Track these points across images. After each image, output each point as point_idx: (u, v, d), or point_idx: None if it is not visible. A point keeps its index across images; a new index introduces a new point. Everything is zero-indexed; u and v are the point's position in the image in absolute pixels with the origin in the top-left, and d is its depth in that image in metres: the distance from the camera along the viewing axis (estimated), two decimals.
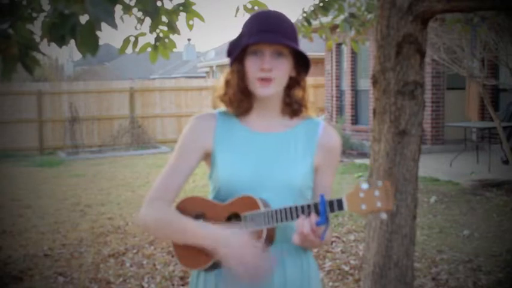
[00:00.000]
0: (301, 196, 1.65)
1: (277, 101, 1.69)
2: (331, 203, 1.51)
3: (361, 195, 1.49)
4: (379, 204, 1.48)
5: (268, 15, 1.64)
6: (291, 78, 1.68)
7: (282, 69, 1.62)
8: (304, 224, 1.51)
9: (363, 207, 1.49)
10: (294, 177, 1.65)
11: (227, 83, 1.69)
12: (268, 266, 1.54)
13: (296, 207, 1.54)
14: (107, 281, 4.80)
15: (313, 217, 1.51)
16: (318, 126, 1.73)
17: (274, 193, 1.62)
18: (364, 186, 1.50)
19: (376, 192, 1.48)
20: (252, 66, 1.62)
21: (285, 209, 1.55)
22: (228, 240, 1.53)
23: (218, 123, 1.71)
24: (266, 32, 1.59)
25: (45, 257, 5.50)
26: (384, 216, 1.50)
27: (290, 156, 1.68)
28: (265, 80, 1.61)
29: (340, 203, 1.51)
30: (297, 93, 1.71)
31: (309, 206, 1.54)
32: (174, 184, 1.69)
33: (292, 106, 1.71)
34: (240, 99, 1.67)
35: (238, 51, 1.62)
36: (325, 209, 1.51)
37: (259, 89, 1.63)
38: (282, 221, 1.56)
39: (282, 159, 1.67)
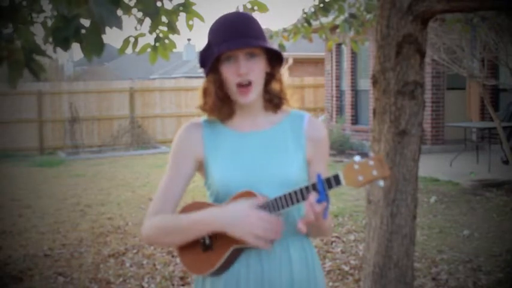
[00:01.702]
0: None
1: (258, 99, 1.71)
2: (328, 180, 1.54)
3: (356, 167, 1.52)
4: (375, 172, 1.50)
5: (232, 19, 1.65)
6: (266, 74, 1.70)
7: (257, 70, 1.65)
8: (313, 204, 1.53)
9: (360, 178, 1.51)
10: (289, 172, 1.67)
11: (205, 92, 1.70)
12: (277, 225, 1.57)
13: (295, 191, 1.57)
14: (107, 281, 4.80)
15: (313, 195, 1.53)
16: (303, 119, 1.75)
17: (271, 190, 1.63)
18: (357, 158, 1.52)
19: (371, 162, 1.51)
20: (229, 73, 1.64)
21: (285, 195, 1.58)
22: (227, 212, 1.58)
23: (205, 131, 1.73)
24: (236, 37, 1.61)
25: (45, 257, 5.50)
26: (381, 184, 1.52)
27: (281, 152, 1.70)
28: (245, 86, 1.63)
29: (337, 178, 1.53)
30: (275, 86, 1.73)
31: (307, 187, 1.56)
32: (173, 195, 1.71)
33: (273, 101, 1.73)
34: (220, 107, 1.69)
35: (211, 61, 1.63)
36: (324, 186, 1.53)
37: (240, 98, 1.65)
38: (283, 207, 1.58)
39: (274, 156, 1.69)
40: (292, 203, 1.58)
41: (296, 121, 1.75)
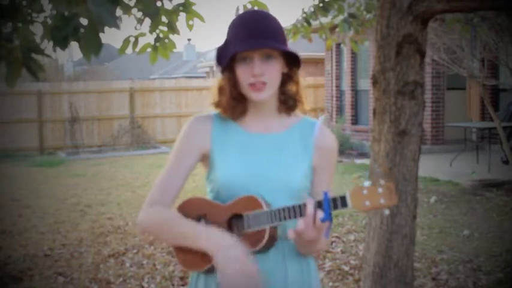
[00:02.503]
0: (298, 197, 1.65)
1: (273, 100, 1.69)
2: (334, 200, 1.52)
3: (365, 192, 1.50)
4: (382, 201, 1.49)
5: (252, 18, 1.63)
6: (283, 74, 1.67)
7: (272, 72, 1.62)
8: (299, 222, 1.51)
9: (367, 203, 1.50)
10: (293, 178, 1.66)
11: (220, 90, 1.69)
12: (256, 285, 1.53)
13: (300, 206, 1.54)
14: (107, 281, 4.80)
15: (319, 213, 1.51)
16: (314, 127, 1.73)
17: (272, 194, 1.61)
18: (367, 183, 1.51)
19: (380, 189, 1.49)
20: (243, 73, 1.62)
21: (288, 208, 1.55)
22: (227, 251, 1.52)
23: (215, 125, 1.72)
24: (253, 37, 1.58)
25: (45, 257, 5.50)
26: (387, 212, 1.51)
27: (288, 157, 1.68)
28: (258, 86, 1.61)
29: (343, 200, 1.51)
30: (291, 88, 1.71)
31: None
32: (172, 187, 1.69)
33: (288, 103, 1.71)
34: (234, 106, 1.67)
35: (227, 60, 1.61)
36: (329, 205, 1.51)
37: (253, 95, 1.63)
38: (285, 219, 1.56)
39: (280, 160, 1.67)
40: (295, 217, 1.54)
41: (307, 128, 1.72)
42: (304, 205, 1.53)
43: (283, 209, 1.55)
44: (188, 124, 1.73)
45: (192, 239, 1.58)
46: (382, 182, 1.50)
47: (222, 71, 1.66)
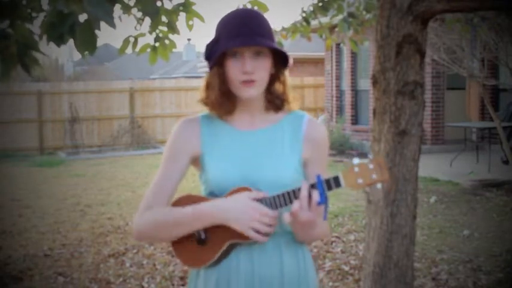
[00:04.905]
0: None
1: (260, 98, 1.70)
2: (328, 181, 1.54)
3: (356, 169, 1.53)
4: (374, 176, 1.51)
5: (242, 15, 1.64)
6: (270, 75, 1.69)
7: (263, 69, 1.64)
8: (295, 204, 1.54)
9: (360, 181, 1.52)
10: (284, 173, 1.66)
11: (208, 86, 1.68)
12: (273, 218, 1.56)
13: (294, 191, 1.55)
14: (107, 281, 4.80)
15: (315, 194, 1.52)
16: (302, 119, 1.74)
17: (265, 189, 1.62)
18: (357, 161, 1.53)
19: (370, 166, 1.52)
20: (234, 70, 1.62)
21: (283, 194, 1.57)
22: (229, 206, 1.57)
23: (203, 127, 1.72)
24: (244, 34, 1.59)
25: (45, 257, 5.50)
26: (379, 186, 1.53)
27: (278, 152, 1.69)
28: (248, 82, 1.62)
29: (336, 180, 1.53)
30: (278, 88, 1.72)
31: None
32: (165, 191, 1.70)
33: (275, 102, 1.72)
34: (223, 102, 1.67)
35: (217, 56, 1.62)
36: (323, 187, 1.53)
37: (242, 91, 1.64)
38: (281, 206, 1.57)
39: (270, 156, 1.68)
40: (291, 202, 1.56)
41: (295, 121, 1.73)
42: (299, 189, 1.55)
43: (278, 196, 1.57)
44: (176, 129, 1.73)
45: (187, 221, 1.61)
46: (370, 157, 1.53)
47: (211, 67, 1.66)
